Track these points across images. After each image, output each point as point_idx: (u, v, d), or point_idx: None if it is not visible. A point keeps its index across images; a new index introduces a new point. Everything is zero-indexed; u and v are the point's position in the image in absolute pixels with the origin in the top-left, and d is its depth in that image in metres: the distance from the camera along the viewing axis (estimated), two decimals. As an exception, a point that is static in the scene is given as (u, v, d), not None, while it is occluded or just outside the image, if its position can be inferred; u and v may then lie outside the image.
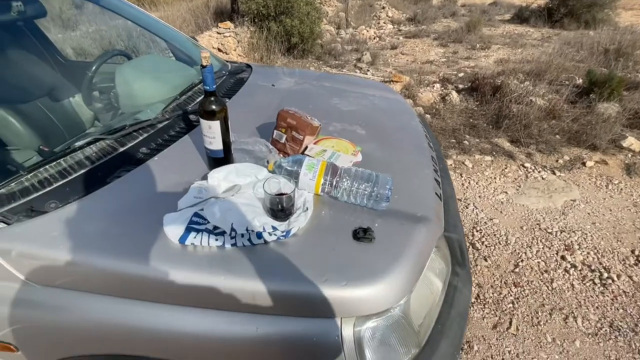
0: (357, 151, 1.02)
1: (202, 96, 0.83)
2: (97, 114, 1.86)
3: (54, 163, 0.91)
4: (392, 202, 0.86)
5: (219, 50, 5.46)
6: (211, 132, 0.84)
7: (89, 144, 0.97)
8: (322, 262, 0.71)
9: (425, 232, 0.84)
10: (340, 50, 6.21)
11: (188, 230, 0.72)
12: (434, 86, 4.48)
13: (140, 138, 1.06)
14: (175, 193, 0.85)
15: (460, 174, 2.82)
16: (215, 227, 0.73)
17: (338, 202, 0.87)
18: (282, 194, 0.77)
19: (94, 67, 1.62)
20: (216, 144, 0.87)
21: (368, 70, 5.22)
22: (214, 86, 0.81)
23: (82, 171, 0.91)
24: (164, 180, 0.91)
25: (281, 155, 0.99)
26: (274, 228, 0.74)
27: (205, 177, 0.86)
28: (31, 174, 0.88)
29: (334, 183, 0.85)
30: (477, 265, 2.00)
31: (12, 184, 0.85)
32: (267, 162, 0.90)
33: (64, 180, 0.88)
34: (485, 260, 2.04)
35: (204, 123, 0.83)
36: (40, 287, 0.73)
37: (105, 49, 4.31)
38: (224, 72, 1.62)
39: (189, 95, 1.35)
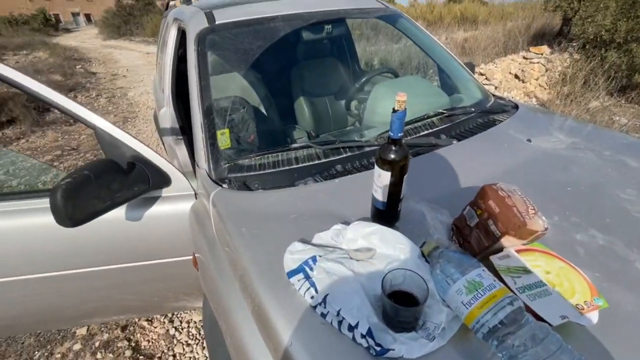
0: (595, 306, 0.56)
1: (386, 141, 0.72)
2: (355, 120, 2.16)
3: (278, 153, 1.12)
4: None
5: (516, 76, 4.82)
6: (379, 180, 0.73)
7: (303, 147, 1.12)
8: None
9: None
10: None
11: (300, 269, 0.68)
12: None
13: (343, 155, 1.11)
14: (329, 223, 0.82)
15: None
16: (318, 284, 0.64)
17: (491, 356, 0.53)
18: (404, 300, 0.56)
19: (363, 80, 1.85)
20: (380, 195, 0.74)
21: None
22: (400, 134, 0.67)
23: (285, 168, 1.07)
24: (329, 205, 0.90)
25: (454, 241, 0.72)
26: (370, 333, 0.55)
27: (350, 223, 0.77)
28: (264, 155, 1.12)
29: (501, 334, 0.51)
30: None
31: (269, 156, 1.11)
32: (425, 241, 0.68)
33: (272, 170, 1.07)
34: None
35: (376, 169, 0.73)
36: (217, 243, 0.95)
37: (384, 64, 4.91)
38: (473, 109, 1.37)
39: (415, 125, 1.26)
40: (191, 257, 1.21)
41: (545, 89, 4.68)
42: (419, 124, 1.27)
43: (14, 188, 3.22)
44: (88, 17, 43.25)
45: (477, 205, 0.72)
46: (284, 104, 2.16)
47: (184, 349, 1.69)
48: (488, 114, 1.39)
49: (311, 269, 0.67)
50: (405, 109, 0.65)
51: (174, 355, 1.66)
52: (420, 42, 1.82)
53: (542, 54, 5.03)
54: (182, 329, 1.81)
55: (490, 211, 0.68)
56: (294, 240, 0.76)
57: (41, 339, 1.78)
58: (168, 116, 1.76)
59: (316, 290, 0.63)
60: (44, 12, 29.16)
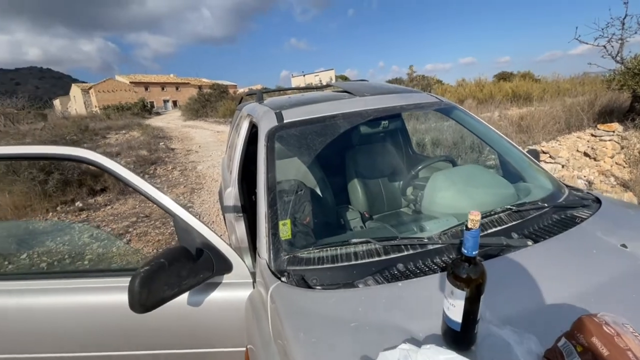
0: None
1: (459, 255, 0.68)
2: (409, 203, 2.13)
3: (337, 247, 1.12)
4: None
5: (585, 154, 4.49)
6: (453, 298, 0.67)
7: (362, 243, 1.11)
8: None
9: None
10: None
11: (364, 398, 0.61)
12: None
13: (404, 253, 1.06)
14: (394, 338, 0.75)
15: None
16: None
17: None
18: None
19: (419, 167, 1.87)
20: (454, 314, 0.67)
21: None
22: (474, 253, 0.63)
23: (343, 264, 1.05)
24: (393, 315, 0.83)
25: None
26: None
27: (420, 343, 0.70)
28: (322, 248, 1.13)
29: None
30: None
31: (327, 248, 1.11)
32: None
33: (331, 265, 1.05)
34: None
35: (448, 285, 0.68)
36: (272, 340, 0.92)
37: (436, 143, 4.91)
38: (547, 204, 1.26)
39: (484, 221, 1.18)
40: (244, 349, 1.17)
41: (624, 167, 4.24)
42: (485, 220, 1.19)
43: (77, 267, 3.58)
44: (175, 103, 52.87)
45: (576, 340, 0.61)
46: (339, 186, 2.23)
47: None
48: (565, 209, 1.27)
49: (377, 400, 0.60)
50: (478, 227, 0.62)
51: None
52: (477, 131, 1.83)
53: (613, 132, 4.70)
54: None
55: (596, 352, 0.56)
56: (356, 355, 0.70)
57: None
58: (232, 195, 1.91)
59: None
60: (143, 101, 36.83)
